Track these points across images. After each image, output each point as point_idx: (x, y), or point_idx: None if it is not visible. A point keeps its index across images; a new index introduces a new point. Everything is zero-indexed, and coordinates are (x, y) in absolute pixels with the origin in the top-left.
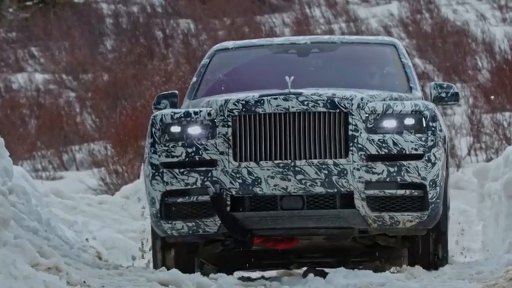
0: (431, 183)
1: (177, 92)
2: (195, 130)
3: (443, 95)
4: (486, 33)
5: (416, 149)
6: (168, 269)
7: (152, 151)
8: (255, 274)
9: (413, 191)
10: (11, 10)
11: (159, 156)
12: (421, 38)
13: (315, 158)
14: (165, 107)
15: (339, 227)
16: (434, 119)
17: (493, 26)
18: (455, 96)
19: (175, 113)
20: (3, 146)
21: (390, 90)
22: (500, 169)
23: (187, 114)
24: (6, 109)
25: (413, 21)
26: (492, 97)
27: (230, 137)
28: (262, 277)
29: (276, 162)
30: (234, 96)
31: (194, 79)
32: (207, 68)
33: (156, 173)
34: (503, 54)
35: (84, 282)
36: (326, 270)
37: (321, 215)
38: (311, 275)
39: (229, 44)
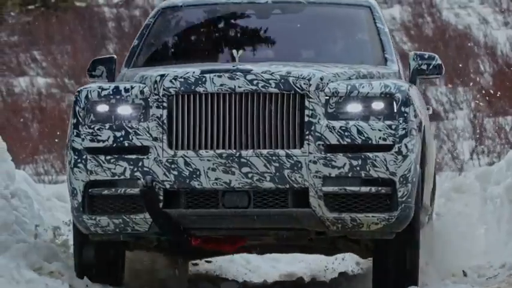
0: (401, 179)
1: (115, 56)
2: (125, 110)
3: (424, 67)
4: (488, 37)
5: (384, 139)
6: (92, 266)
7: (75, 134)
8: (255, 278)
9: (380, 188)
10: (13, 14)
11: (83, 139)
12: (423, 42)
13: (264, 147)
14: (101, 75)
15: (291, 228)
16: (407, 102)
17: (495, 29)
18: (438, 69)
19: (102, 89)
20: (5, 150)
21: (361, 62)
22: (502, 173)
23: (116, 91)
24: (8, 113)
25: (415, 25)
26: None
27: (165, 121)
28: (264, 280)
29: (218, 151)
30: (171, 71)
31: (135, 42)
32: (150, 29)
33: (79, 160)
34: (505, 58)
35: (87, 286)
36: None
37: (270, 214)
38: None
39: (178, 0)
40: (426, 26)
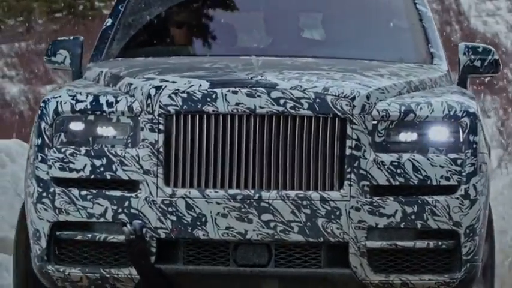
0: (467, 231)
1: (82, 38)
2: (107, 131)
3: (478, 63)
4: None
5: (448, 178)
6: None
7: (40, 158)
8: None
9: (440, 242)
10: (40, 22)
11: (50, 167)
12: (451, 50)
13: (292, 188)
14: (63, 61)
15: None
16: (476, 128)
17: None
18: (495, 66)
19: (77, 101)
20: None
21: (401, 59)
22: None
23: (96, 105)
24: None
25: (444, 33)
26: None
27: (161, 148)
28: None
29: (230, 192)
30: (170, 82)
31: (108, 22)
32: (126, 4)
33: (44, 193)
34: None
35: None
36: None
37: (297, 276)
38: None
39: None
40: (454, 34)
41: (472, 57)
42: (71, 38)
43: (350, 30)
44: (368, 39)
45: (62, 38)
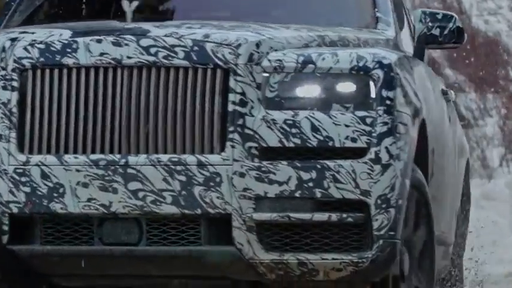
0: (379, 201)
1: None
2: None
3: (437, 32)
4: None
5: (354, 139)
6: None
7: None
8: None
9: (345, 215)
10: None
11: None
12: (452, 49)
13: (165, 152)
14: None
15: (207, 277)
16: (392, 83)
17: None
18: (457, 35)
19: None
20: None
21: (340, 24)
22: None
23: None
24: None
25: None
26: None
27: (14, 109)
28: None
29: (92, 157)
30: (29, 32)
31: None
32: None
33: None
34: None
35: None
36: None
37: (173, 255)
38: None
39: None
40: None
41: (430, 24)
42: None
43: None
44: (302, 3)
45: None
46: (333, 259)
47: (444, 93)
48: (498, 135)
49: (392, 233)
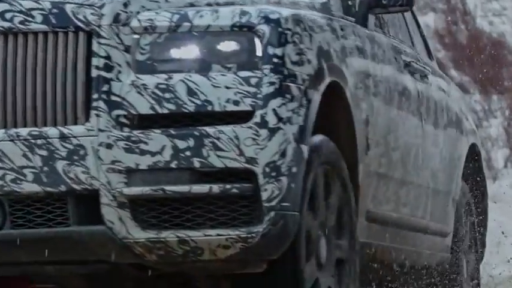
0: (267, 169)
1: None
2: None
3: None
4: None
5: (236, 102)
6: None
7: None
8: None
9: (228, 186)
10: None
11: None
12: (457, 50)
13: (24, 125)
14: None
15: (80, 261)
16: (281, 39)
17: None
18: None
19: None
20: None
21: None
22: None
23: None
24: None
25: (449, 32)
26: None
27: None
28: None
29: None
30: None
31: None
32: None
33: None
34: None
35: None
36: None
37: (39, 238)
38: None
39: None
40: (460, 33)
41: None
42: None
43: None
44: None
45: None
46: (218, 235)
47: (410, 66)
48: (503, 136)
49: (285, 204)
